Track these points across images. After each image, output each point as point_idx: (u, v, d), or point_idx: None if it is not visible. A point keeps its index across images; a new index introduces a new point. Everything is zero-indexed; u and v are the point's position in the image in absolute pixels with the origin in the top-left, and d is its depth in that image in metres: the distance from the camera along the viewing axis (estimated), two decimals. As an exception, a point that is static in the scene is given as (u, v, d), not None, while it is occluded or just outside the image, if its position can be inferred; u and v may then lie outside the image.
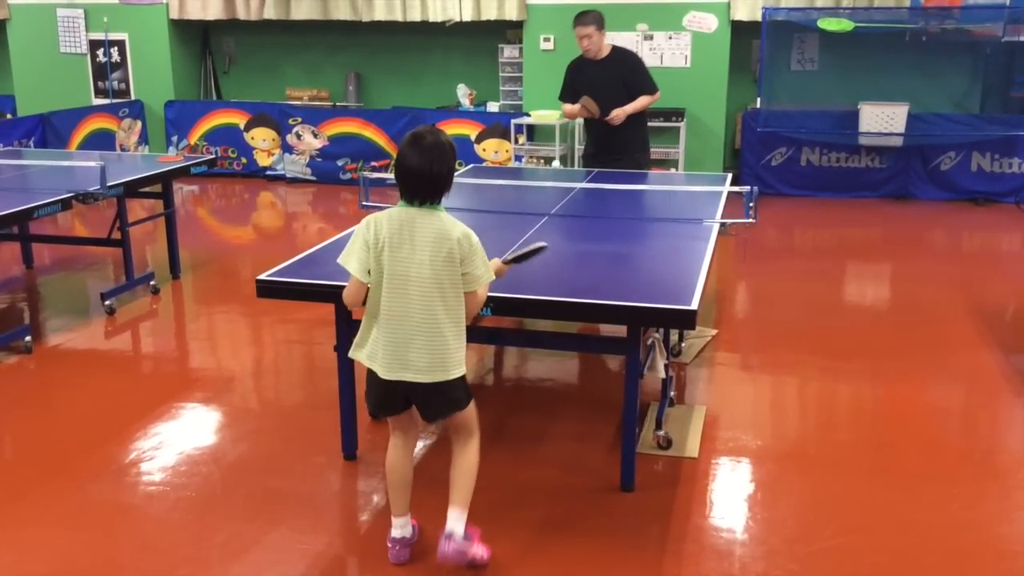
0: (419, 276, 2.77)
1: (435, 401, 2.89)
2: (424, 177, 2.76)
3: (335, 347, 3.63)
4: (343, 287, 3.43)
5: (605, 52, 5.83)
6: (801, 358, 4.98)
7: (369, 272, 2.82)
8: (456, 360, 2.84)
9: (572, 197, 5.02)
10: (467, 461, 3.00)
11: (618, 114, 5.72)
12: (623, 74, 5.81)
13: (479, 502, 3.36)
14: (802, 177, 9.41)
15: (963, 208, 8.91)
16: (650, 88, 5.86)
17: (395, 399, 2.93)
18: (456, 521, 2.94)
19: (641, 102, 5.79)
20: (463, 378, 2.89)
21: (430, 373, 2.81)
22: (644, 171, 5.92)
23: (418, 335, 2.79)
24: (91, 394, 4.55)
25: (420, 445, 3.91)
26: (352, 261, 2.84)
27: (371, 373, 2.91)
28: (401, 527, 3.05)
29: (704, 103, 9.31)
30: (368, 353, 2.89)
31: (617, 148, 5.85)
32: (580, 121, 9.40)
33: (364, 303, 2.90)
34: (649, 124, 6.14)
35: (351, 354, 2.97)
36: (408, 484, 3.05)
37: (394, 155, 9.86)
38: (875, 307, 6.16)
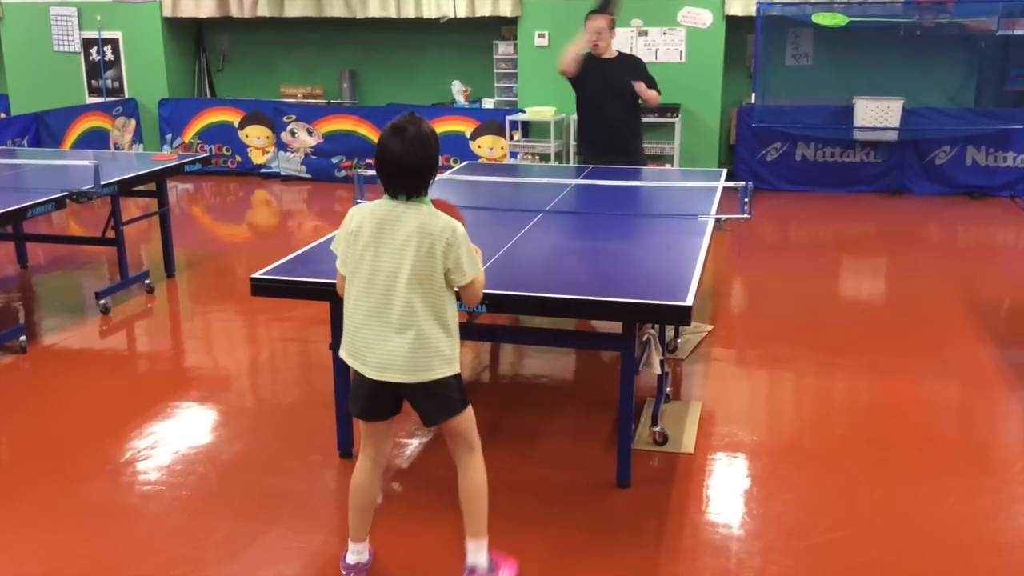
0: (400, 272, 2.60)
1: (426, 402, 2.73)
2: (407, 170, 2.61)
3: (330, 345, 3.63)
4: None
5: (612, 54, 5.70)
6: (797, 353, 4.98)
7: (346, 264, 2.71)
8: (443, 358, 2.66)
9: (567, 193, 5.01)
10: (473, 482, 2.79)
11: (640, 86, 5.57)
12: (632, 75, 5.63)
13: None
14: (797, 172, 9.40)
15: (958, 202, 8.92)
16: (657, 87, 5.76)
17: (384, 401, 2.75)
18: (476, 553, 2.79)
19: (655, 93, 5.66)
20: (455, 378, 2.72)
21: (414, 373, 2.64)
22: (639, 167, 5.89)
23: (400, 333, 2.62)
24: (86, 394, 4.53)
25: (417, 444, 3.91)
26: (338, 251, 2.75)
27: (356, 373, 2.74)
28: (358, 553, 2.88)
29: (699, 99, 9.30)
30: (352, 351, 2.73)
31: (616, 147, 5.72)
32: (574, 118, 9.41)
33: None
34: (644, 120, 6.06)
35: (341, 354, 2.81)
36: (372, 509, 2.89)
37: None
38: (870, 302, 6.16)
